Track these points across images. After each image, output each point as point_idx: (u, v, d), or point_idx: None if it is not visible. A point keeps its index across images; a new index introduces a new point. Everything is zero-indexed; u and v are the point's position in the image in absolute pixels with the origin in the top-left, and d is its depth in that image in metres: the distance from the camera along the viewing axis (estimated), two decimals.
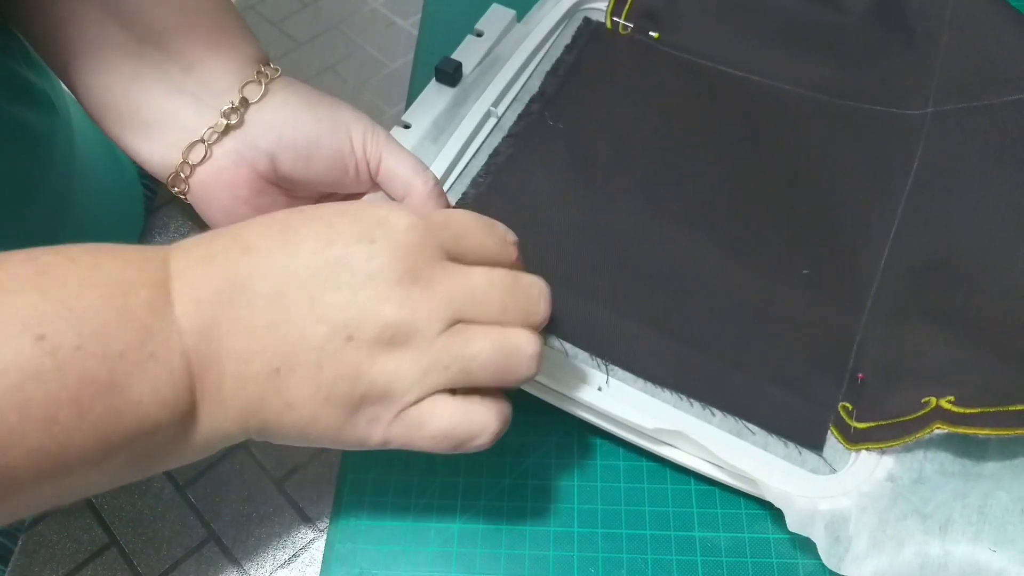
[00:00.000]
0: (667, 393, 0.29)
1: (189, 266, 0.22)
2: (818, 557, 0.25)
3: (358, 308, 0.22)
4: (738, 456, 0.27)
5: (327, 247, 0.22)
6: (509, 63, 0.38)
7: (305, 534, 0.28)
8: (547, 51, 0.39)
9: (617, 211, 0.33)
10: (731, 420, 0.28)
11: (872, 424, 0.27)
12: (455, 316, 0.22)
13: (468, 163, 0.35)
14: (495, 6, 0.40)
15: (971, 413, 0.25)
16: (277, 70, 0.30)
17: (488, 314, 0.23)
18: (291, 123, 0.29)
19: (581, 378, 0.29)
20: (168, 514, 0.29)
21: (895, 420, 0.27)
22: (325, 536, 0.28)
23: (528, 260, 0.26)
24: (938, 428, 0.25)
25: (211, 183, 0.29)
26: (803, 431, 0.28)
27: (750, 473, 0.26)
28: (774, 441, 0.28)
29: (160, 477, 0.29)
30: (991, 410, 0.25)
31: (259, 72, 0.29)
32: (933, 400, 0.26)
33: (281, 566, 0.28)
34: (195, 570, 0.28)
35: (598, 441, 0.30)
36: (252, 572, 0.28)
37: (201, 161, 0.29)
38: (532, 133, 0.36)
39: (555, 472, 0.29)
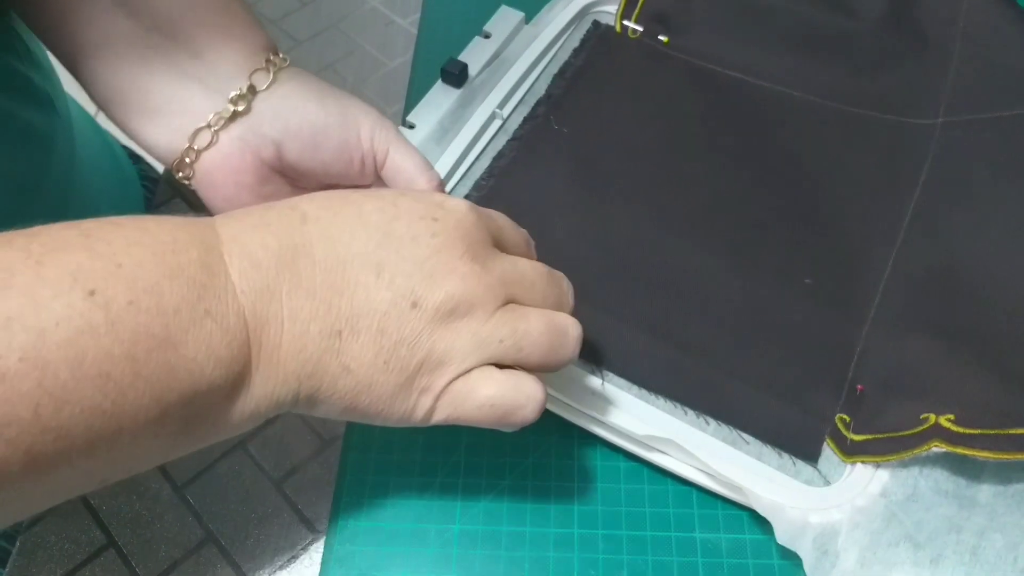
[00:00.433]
0: (661, 400, 0.29)
1: (243, 230, 0.22)
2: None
3: (423, 277, 0.22)
4: (729, 465, 0.27)
5: (392, 221, 0.23)
6: (516, 65, 0.38)
7: (304, 535, 0.28)
8: (555, 54, 0.39)
9: (619, 216, 0.34)
10: (725, 429, 0.29)
11: (869, 437, 0.27)
12: (508, 296, 0.24)
13: (472, 165, 0.35)
14: (504, 8, 0.40)
15: (970, 434, 0.25)
16: (286, 60, 0.30)
17: (534, 299, 0.25)
18: (299, 111, 0.29)
19: (576, 383, 0.29)
20: (166, 515, 0.29)
21: (892, 434, 0.27)
22: (324, 537, 0.28)
23: None
24: (936, 446, 0.25)
25: (216, 169, 0.29)
26: (799, 442, 0.28)
27: (740, 483, 0.27)
28: (768, 451, 0.28)
29: (158, 478, 0.29)
30: (990, 432, 0.25)
31: (268, 61, 0.29)
32: (932, 417, 0.26)
33: (280, 567, 0.28)
34: (193, 571, 0.28)
35: (598, 442, 0.30)
36: (250, 573, 0.28)
37: (207, 147, 0.28)
38: (536, 137, 0.36)
39: (555, 473, 0.29)
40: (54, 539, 0.28)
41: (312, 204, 0.23)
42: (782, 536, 0.26)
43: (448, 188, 0.34)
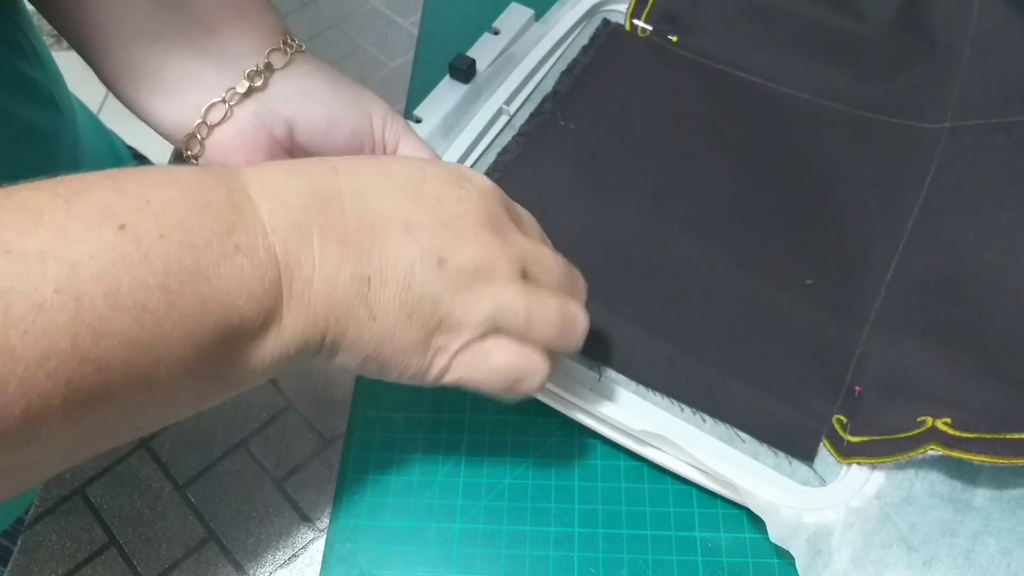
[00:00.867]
0: (658, 397, 0.29)
1: (274, 176, 0.22)
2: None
3: (449, 238, 0.23)
4: (724, 463, 0.27)
5: (421, 183, 0.24)
6: (524, 62, 0.38)
7: (305, 534, 0.28)
8: (564, 51, 0.39)
9: (622, 213, 0.34)
10: (722, 427, 0.29)
11: (866, 438, 0.28)
12: (526, 271, 0.24)
13: (477, 160, 0.35)
14: (513, 4, 0.40)
15: (967, 438, 0.25)
16: (302, 45, 0.30)
17: (550, 281, 0.25)
18: (314, 95, 0.29)
19: (573, 377, 0.29)
20: (168, 514, 0.29)
21: (889, 436, 0.27)
22: (325, 536, 0.28)
23: None
24: (932, 450, 0.25)
25: (227, 145, 0.29)
26: (795, 441, 0.28)
27: (735, 481, 0.27)
28: (764, 450, 0.28)
29: (159, 477, 0.29)
30: (987, 437, 0.25)
31: (284, 42, 0.29)
32: (929, 420, 0.26)
33: (281, 566, 0.28)
34: (194, 570, 0.28)
35: (599, 441, 0.30)
36: (251, 572, 0.28)
37: (220, 122, 0.28)
38: (542, 133, 0.36)
39: (555, 472, 0.29)
40: (55, 537, 0.28)
41: (342, 160, 0.24)
42: (775, 535, 0.26)
43: None
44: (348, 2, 0.45)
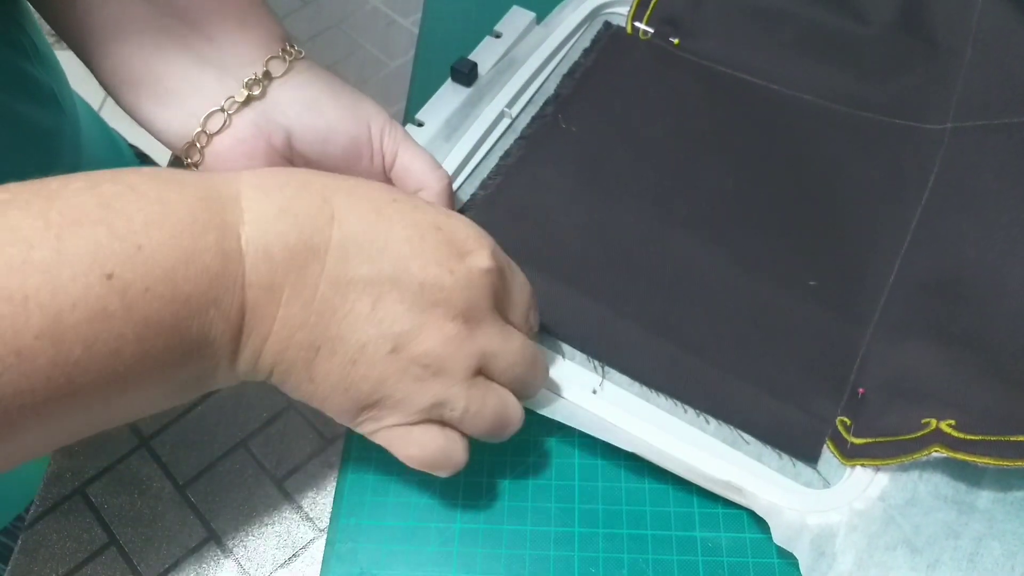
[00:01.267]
0: (662, 398, 0.29)
1: (266, 215, 0.22)
2: None
3: (411, 327, 0.23)
4: (728, 465, 0.27)
5: (411, 259, 0.23)
6: (526, 65, 0.38)
7: (305, 533, 0.28)
8: (565, 54, 0.39)
9: (625, 215, 0.34)
10: (726, 429, 0.29)
11: (869, 440, 0.27)
12: (481, 367, 0.25)
13: (479, 164, 0.35)
14: (515, 8, 0.40)
15: (971, 439, 0.25)
16: (301, 52, 0.30)
17: (504, 374, 0.25)
18: (312, 103, 0.29)
19: (576, 380, 0.29)
20: (168, 513, 0.29)
21: (893, 438, 0.27)
22: (325, 535, 0.28)
23: (532, 262, 0.28)
24: (936, 451, 0.25)
25: (226, 154, 0.29)
26: (799, 443, 0.28)
27: (739, 483, 0.27)
28: (768, 452, 0.28)
29: (160, 476, 0.29)
30: (991, 439, 0.24)
31: (284, 50, 0.29)
32: (933, 422, 0.26)
33: (281, 565, 0.28)
34: (195, 569, 0.28)
35: (599, 441, 0.30)
36: (252, 571, 0.27)
37: (219, 130, 0.28)
38: (544, 136, 0.36)
39: (556, 472, 0.29)
40: (56, 537, 0.28)
41: (347, 204, 0.23)
42: (779, 537, 0.26)
43: (455, 186, 0.34)
44: (348, 2, 0.44)
